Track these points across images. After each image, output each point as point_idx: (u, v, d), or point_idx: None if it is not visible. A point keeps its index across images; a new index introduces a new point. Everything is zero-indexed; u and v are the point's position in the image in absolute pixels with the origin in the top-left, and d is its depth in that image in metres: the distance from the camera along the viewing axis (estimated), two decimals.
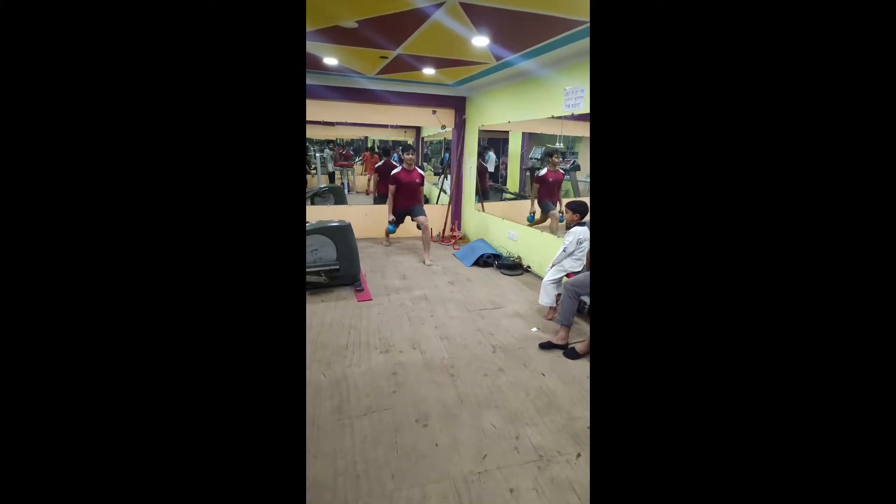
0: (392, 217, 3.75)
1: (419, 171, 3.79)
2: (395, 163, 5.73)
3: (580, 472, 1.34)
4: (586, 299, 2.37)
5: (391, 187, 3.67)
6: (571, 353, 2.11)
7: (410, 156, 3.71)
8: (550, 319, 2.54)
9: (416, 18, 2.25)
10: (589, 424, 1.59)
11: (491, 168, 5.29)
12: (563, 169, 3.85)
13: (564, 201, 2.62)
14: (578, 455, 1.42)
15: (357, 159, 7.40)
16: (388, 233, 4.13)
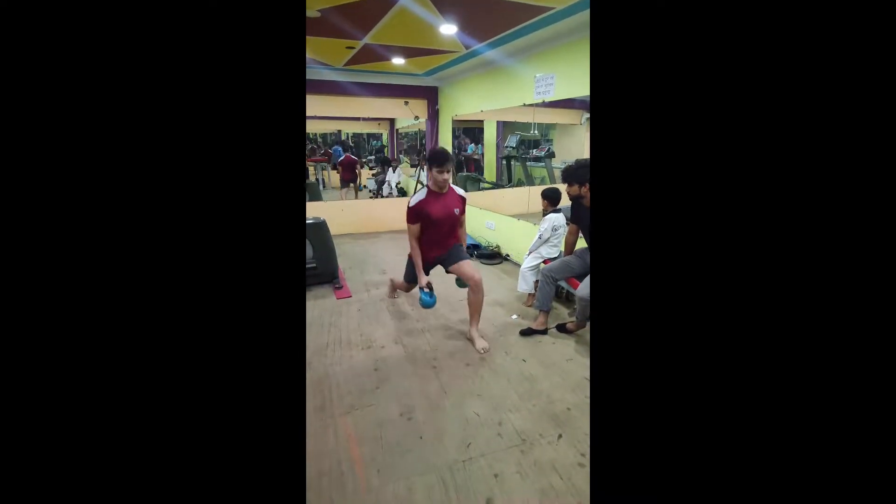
0: (425, 281, 2.03)
1: (458, 191, 2.06)
2: (353, 157, 6.14)
3: (562, 452, 1.38)
4: (563, 284, 2.41)
5: (412, 227, 2.00)
6: (562, 328, 2.23)
7: (445, 174, 1.91)
8: (530, 306, 2.58)
9: (381, 6, 2.19)
10: (568, 406, 1.63)
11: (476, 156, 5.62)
12: (537, 156, 3.86)
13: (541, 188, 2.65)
14: (560, 436, 1.46)
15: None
16: (394, 288, 2.57)
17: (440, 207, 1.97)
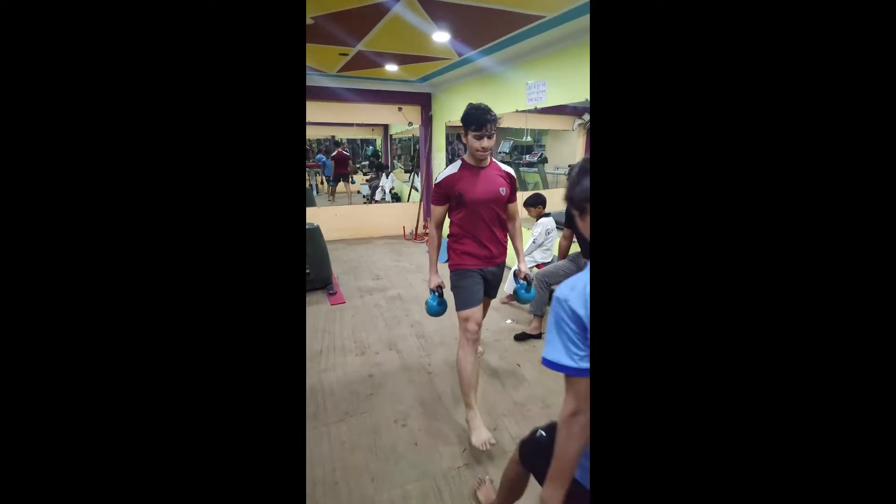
0: (436, 283, 1.60)
1: (502, 167, 1.52)
2: (344, 152, 6.47)
3: None
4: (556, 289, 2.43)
5: (436, 210, 1.51)
6: (522, 337, 2.22)
7: (484, 141, 1.35)
8: (505, 304, 2.66)
9: (374, 13, 2.21)
10: None
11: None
12: (530, 161, 3.89)
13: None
14: None
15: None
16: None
17: (479, 185, 1.40)
